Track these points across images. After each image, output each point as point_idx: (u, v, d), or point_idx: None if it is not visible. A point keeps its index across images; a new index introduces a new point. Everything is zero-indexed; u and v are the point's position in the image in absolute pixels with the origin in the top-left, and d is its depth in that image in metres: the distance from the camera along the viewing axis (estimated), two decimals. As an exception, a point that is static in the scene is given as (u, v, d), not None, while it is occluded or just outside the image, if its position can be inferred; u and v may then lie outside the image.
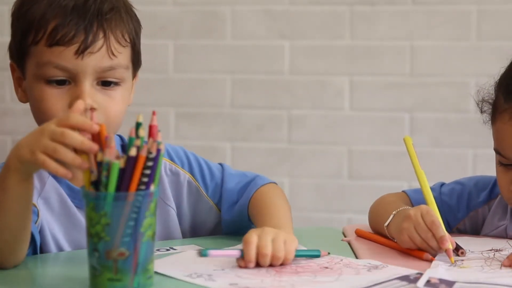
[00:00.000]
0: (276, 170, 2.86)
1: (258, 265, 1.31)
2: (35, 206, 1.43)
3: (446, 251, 1.37)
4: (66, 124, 1.20)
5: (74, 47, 1.43)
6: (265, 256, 1.30)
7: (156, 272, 1.25)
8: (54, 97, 1.44)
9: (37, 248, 1.43)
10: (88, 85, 1.44)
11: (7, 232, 1.29)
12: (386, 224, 1.50)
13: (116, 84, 1.47)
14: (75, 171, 1.22)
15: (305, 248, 1.41)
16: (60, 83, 1.44)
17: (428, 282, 1.22)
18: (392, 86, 2.82)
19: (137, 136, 1.18)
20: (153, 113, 1.20)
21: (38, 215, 1.43)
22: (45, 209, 1.47)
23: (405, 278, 1.25)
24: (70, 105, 1.42)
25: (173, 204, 1.59)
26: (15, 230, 1.30)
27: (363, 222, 1.69)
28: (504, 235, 1.57)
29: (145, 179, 1.18)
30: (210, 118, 2.91)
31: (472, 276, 1.27)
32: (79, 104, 1.31)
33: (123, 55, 1.48)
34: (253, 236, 1.32)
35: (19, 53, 1.47)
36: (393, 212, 1.50)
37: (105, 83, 1.46)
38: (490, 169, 1.63)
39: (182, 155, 1.62)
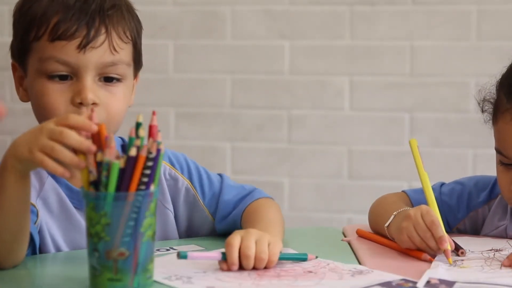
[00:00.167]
0: (276, 170, 2.86)
1: (242, 268, 1.28)
2: (34, 206, 1.43)
3: (445, 251, 1.37)
4: (65, 124, 1.20)
5: (76, 42, 1.43)
6: (248, 257, 1.27)
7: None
8: (56, 92, 1.44)
9: (37, 248, 1.43)
10: (90, 80, 1.44)
11: (5, 232, 1.29)
12: (386, 224, 1.50)
13: (118, 80, 1.47)
14: (74, 171, 1.22)
15: (295, 252, 1.39)
16: (62, 78, 1.44)
17: (428, 282, 1.22)
18: (392, 86, 2.82)
19: (137, 136, 1.18)
20: (153, 113, 1.20)
21: (37, 215, 1.43)
22: (44, 210, 1.47)
23: (386, 284, 1.22)
24: (72, 100, 1.42)
25: (171, 207, 1.58)
26: (14, 230, 1.29)
27: (363, 222, 1.69)
28: (504, 235, 1.57)
29: (145, 179, 1.18)
30: (210, 118, 2.91)
31: (472, 276, 1.27)
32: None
33: (125, 52, 1.48)
34: (236, 238, 1.29)
35: (21, 50, 1.47)
36: (394, 213, 1.50)
37: (107, 79, 1.46)
38: (490, 169, 1.63)
39: (183, 161, 1.61)
